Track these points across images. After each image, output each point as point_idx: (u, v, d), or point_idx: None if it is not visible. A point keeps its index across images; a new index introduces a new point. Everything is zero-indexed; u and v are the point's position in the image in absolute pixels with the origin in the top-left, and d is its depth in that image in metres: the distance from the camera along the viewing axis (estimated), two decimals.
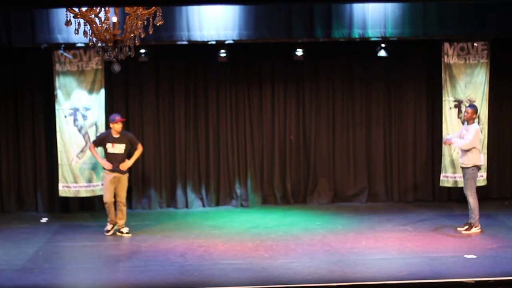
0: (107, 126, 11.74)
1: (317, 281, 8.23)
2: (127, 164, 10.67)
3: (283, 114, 12.67)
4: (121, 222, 10.73)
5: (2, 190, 12.35)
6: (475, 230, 10.26)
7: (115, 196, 10.68)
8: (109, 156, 10.66)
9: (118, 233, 10.71)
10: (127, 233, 10.69)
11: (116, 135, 10.66)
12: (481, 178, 11.53)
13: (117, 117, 10.69)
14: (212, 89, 12.53)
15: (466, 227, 10.35)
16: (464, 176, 10.43)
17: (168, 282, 8.40)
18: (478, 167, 10.40)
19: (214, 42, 11.13)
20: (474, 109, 10.50)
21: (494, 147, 12.46)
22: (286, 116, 12.68)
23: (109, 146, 10.65)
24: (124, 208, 10.72)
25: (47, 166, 12.29)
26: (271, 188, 12.71)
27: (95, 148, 10.80)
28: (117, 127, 10.64)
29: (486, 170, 11.66)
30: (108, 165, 10.57)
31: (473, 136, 10.25)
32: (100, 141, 10.77)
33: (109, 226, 10.76)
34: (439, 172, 11.85)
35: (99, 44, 8.12)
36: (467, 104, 11.54)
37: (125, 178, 10.71)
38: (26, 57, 11.89)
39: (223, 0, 9.42)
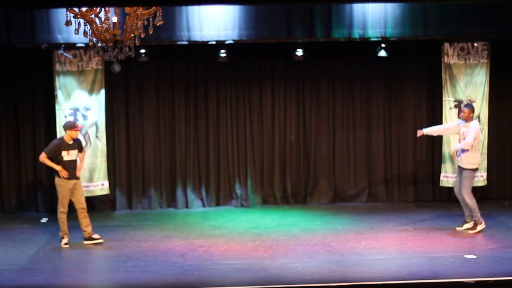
0: (108, 126, 11.78)
1: (317, 281, 8.23)
2: (80, 168, 10.35)
3: (283, 114, 12.67)
4: (89, 229, 10.25)
5: (2, 190, 12.35)
6: (480, 227, 10.23)
7: (70, 205, 10.24)
8: (65, 164, 10.13)
9: (87, 242, 10.21)
10: (99, 238, 10.25)
11: (70, 142, 10.21)
12: (481, 178, 11.54)
13: (77, 123, 10.48)
14: (212, 89, 12.53)
15: (468, 226, 10.32)
16: (460, 174, 10.38)
17: (168, 282, 8.40)
18: (477, 169, 10.40)
19: (214, 42, 11.13)
20: (471, 108, 10.49)
21: (494, 147, 12.46)
22: (286, 116, 12.68)
23: (64, 153, 10.14)
24: (87, 215, 10.24)
25: (47, 166, 12.25)
26: (271, 188, 12.71)
27: (48, 158, 10.22)
28: (75, 134, 10.21)
29: (486, 170, 11.66)
30: (65, 173, 10.08)
31: (474, 135, 10.20)
32: (55, 151, 10.15)
33: (66, 239, 10.20)
34: (439, 172, 11.86)
35: (99, 44, 8.11)
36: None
37: (80, 183, 10.35)
38: (26, 57, 11.89)
39: (223, 0, 9.42)
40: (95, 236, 10.27)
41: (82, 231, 10.23)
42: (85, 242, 10.24)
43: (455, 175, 11.43)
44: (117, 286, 8.50)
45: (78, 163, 10.30)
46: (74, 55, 11.37)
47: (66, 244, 10.19)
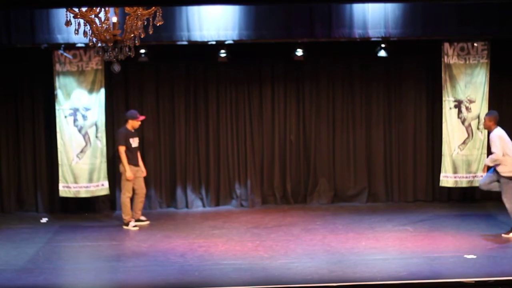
0: (107, 126, 11.77)
1: (317, 281, 8.23)
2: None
3: (283, 114, 12.67)
4: (139, 213, 11.33)
5: (2, 190, 12.34)
6: None
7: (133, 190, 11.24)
8: (132, 151, 11.16)
9: (137, 222, 11.21)
10: (145, 220, 11.33)
11: (132, 130, 11.23)
12: (482, 178, 11.51)
13: (138, 114, 11.27)
14: (212, 89, 12.54)
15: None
16: (498, 180, 10.14)
17: (168, 282, 8.40)
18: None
19: (214, 42, 11.12)
20: (490, 116, 10.28)
21: None
22: (286, 116, 12.68)
23: (131, 141, 11.18)
24: (144, 200, 11.45)
25: (47, 166, 12.28)
26: (271, 188, 12.71)
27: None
28: (137, 124, 11.23)
29: (486, 170, 11.65)
30: (131, 175, 11.04)
31: (498, 146, 9.95)
32: (126, 139, 11.10)
33: (133, 221, 11.16)
34: (439, 172, 11.85)
35: (99, 44, 8.11)
36: (467, 104, 11.57)
37: (141, 170, 11.35)
38: (26, 57, 11.88)
39: (223, 0, 9.42)
40: (142, 218, 11.33)
41: (135, 212, 11.23)
42: (137, 224, 11.20)
43: (457, 175, 11.46)
44: (117, 286, 8.49)
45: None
46: (74, 55, 11.37)
47: (135, 227, 11.09)
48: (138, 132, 12.40)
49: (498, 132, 10.15)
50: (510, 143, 10.12)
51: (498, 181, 10.16)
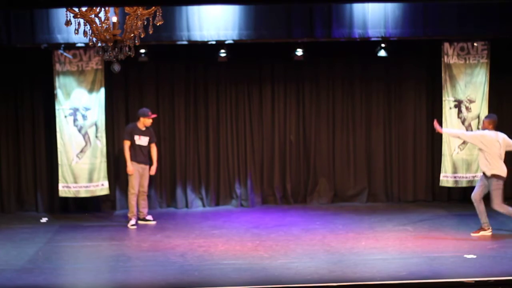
0: (108, 126, 11.78)
1: (317, 281, 8.22)
2: (155, 167, 11.38)
3: (283, 114, 12.68)
4: (145, 211, 11.30)
5: (2, 190, 12.35)
6: None
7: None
8: (136, 148, 11.14)
9: (140, 221, 11.26)
10: (151, 220, 11.32)
11: (142, 128, 11.18)
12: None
13: (149, 112, 11.19)
14: (212, 89, 12.54)
15: (485, 233, 10.14)
16: (490, 186, 10.03)
17: (168, 282, 8.40)
18: (499, 177, 9.94)
19: (214, 42, 11.13)
20: (489, 119, 10.22)
21: None
22: (286, 116, 12.68)
23: (136, 138, 11.15)
24: (147, 198, 11.37)
25: (47, 166, 12.28)
26: (271, 188, 12.72)
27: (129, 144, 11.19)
28: (148, 122, 11.17)
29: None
30: (132, 170, 11.06)
31: (471, 134, 10.15)
32: (130, 134, 11.15)
33: (133, 220, 11.14)
34: (439, 172, 11.85)
35: (99, 44, 8.11)
36: (467, 104, 11.58)
37: (147, 168, 11.29)
38: (26, 57, 11.89)
39: (223, 0, 9.42)
40: (148, 217, 11.32)
41: (138, 211, 11.24)
42: (139, 222, 11.23)
43: (457, 175, 11.46)
44: (117, 286, 8.49)
45: (153, 156, 11.34)
46: (74, 55, 11.38)
47: (133, 225, 11.10)
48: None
49: (489, 133, 10.08)
50: (495, 147, 10.00)
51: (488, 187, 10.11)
